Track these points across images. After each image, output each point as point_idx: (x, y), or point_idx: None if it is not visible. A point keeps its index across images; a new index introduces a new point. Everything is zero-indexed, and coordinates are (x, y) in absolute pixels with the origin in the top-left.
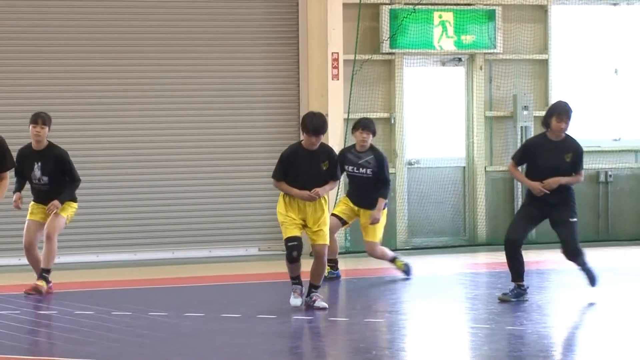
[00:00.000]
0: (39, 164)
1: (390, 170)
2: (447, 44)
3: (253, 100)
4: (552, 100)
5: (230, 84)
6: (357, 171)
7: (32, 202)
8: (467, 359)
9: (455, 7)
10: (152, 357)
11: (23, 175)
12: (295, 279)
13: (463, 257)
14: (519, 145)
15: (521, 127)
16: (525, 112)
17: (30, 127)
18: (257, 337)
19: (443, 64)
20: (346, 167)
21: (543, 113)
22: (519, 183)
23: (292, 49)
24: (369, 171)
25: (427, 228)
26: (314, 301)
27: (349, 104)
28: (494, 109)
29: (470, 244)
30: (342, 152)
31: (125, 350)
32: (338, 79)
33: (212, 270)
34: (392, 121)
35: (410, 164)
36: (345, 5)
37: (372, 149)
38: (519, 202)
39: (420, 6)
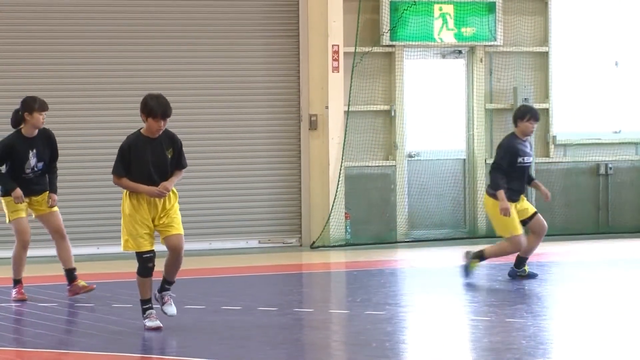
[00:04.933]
0: (34, 151)
1: (390, 163)
2: (448, 37)
3: (253, 93)
4: (553, 92)
5: (231, 76)
6: (527, 161)
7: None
8: (467, 351)
9: None
10: (153, 349)
11: (13, 168)
12: (149, 302)
13: (463, 249)
14: None
15: None
16: None
17: (38, 114)
18: (258, 329)
19: (443, 56)
20: (520, 158)
21: (544, 105)
22: None
23: (292, 41)
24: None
25: (428, 220)
26: (164, 303)
27: (350, 97)
28: (494, 102)
29: (470, 236)
30: (511, 141)
31: (126, 342)
32: (338, 72)
33: (213, 263)
34: (393, 114)
35: (410, 156)
36: None
37: None
38: None
39: None
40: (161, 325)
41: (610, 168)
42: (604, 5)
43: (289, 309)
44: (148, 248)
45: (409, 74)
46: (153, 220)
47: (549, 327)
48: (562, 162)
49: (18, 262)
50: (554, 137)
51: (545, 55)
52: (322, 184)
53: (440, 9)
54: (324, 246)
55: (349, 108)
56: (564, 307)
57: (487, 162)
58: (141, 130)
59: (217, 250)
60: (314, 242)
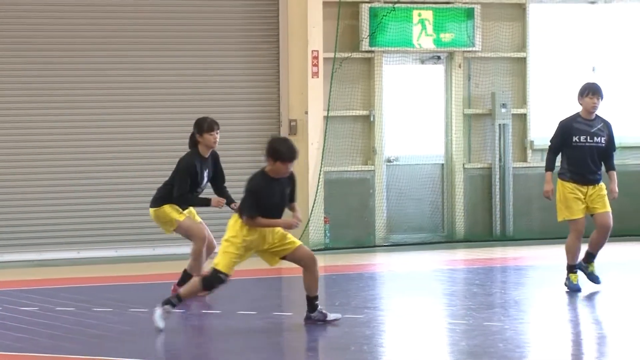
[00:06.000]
0: (207, 171)
1: (369, 168)
2: (426, 42)
3: (234, 98)
4: (531, 97)
5: (212, 81)
6: (590, 140)
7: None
8: (445, 354)
9: (434, 5)
10: (133, 352)
11: (190, 188)
12: (181, 301)
13: (441, 253)
14: (497, 142)
15: (499, 124)
16: (503, 110)
17: (208, 134)
18: (239, 333)
19: (422, 61)
20: (575, 137)
21: (521, 111)
22: (496, 179)
23: (272, 46)
24: (602, 139)
25: (406, 224)
26: (325, 315)
27: (329, 102)
28: (472, 107)
29: (449, 240)
30: (567, 120)
31: (106, 346)
32: (318, 77)
33: None
34: (372, 119)
35: (389, 161)
36: (325, 3)
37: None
38: (497, 198)
39: (399, 4)
40: (162, 328)
41: None
42: (582, 11)
43: (269, 313)
44: (230, 271)
45: (388, 80)
46: (265, 248)
47: (526, 331)
48: (539, 166)
49: (198, 258)
50: (532, 142)
51: (523, 60)
52: (302, 189)
53: (419, 15)
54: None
55: (328, 113)
56: (541, 310)
57: (465, 166)
58: (265, 170)
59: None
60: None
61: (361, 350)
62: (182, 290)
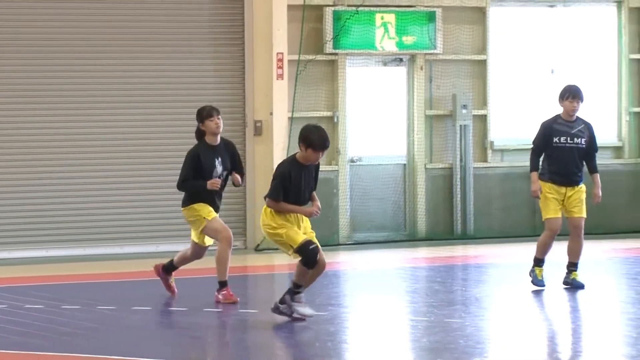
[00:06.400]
0: (219, 159)
1: (333, 168)
2: (389, 45)
3: (200, 100)
4: (491, 99)
5: (179, 83)
6: (570, 142)
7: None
8: (407, 350)
9: (396, 8)
10: (102, 350)
11: (203, 177)
12: (301, 287)
13: (403, 251)
14: (458, 143)
15: (460, 125)
16: (464, 111)
17: (208, 121)
18: (205, 329)
19: (385, 64)
20: (556, 138)
21: (481, 112)
22: (457, 179)
23: (238, 49)
24: (583, 141)
25: (369, 223)
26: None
27: (293, 103)
28: (434, 108)
29: (410, 238)
30: (549, 121)
31: (75, 344)
32: (283, 79)
33: None
34: (335, 120)
35: (352, 161)
36: (289, 6)
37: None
38: (458, 198)
39: (362, 8)
40: (314, 313)
41: None
42: (541, 14)
43: (234, 310)
44: (306, 237)
45: (351, 82)
46: None
47: (486, 327)
48: (499, 167)
49: (223, 261)
50: (492, 142)
51: (483, 63)
52: (267, 189)
53: (382, 18)
54: (268, 249)
55: (293, 114)
56: (501, 307)
57: (427, 166)
58: (296, 156)
59: (165, 252)
60: (258, 245)
61: (325, 346)
62: (294, 277)
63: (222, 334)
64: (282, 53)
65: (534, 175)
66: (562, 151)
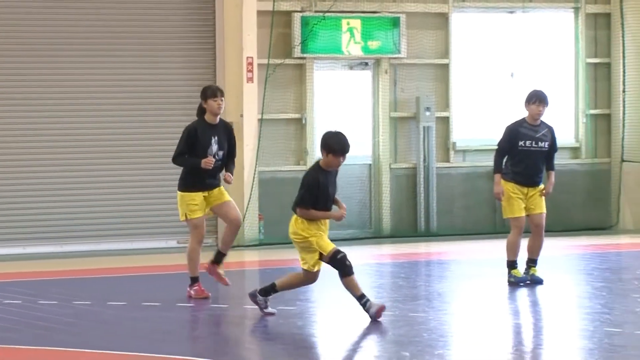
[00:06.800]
0: (216, 138)
1: (301, 168)
2: (355, 49)
3: (173, 102)
4: (453, 101)
5: (152, 85)
6: (535, 145)
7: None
8: (373, 343)
9: (362, 14)
10: (77, 344)
11: (197, 154)
12: (364, 296)
13: (368, 248)
14: (421, 143)
15: (424, 127)
16: (427, 113)
17: (212, 100)
18: (177, 324)
19: (351, 67)
20: (521, 142)
21: (444, 114)
22: (421, 179)
23: (209, 53)
24: (546, 144)
25: (335, 221)
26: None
27: (263, 105)
28: (398, 110)
29: (375, 236)
30: (515, 125)
31: (52, 338)
32: (252, 82)
33: (134, 262)
34: (303, 121)
35: None
36: (259, 12)
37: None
38: (421, 196)
39: (329, 14)
40: (384, 304)
41: None
42: (501, 20)
43: (206, 305)
44: (334, 246)
45: (318, 85)
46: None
47: (449, 321)
48: (461, 166)
49: (194, 258)
50: (454, 143)
51: (446, 67)
52: (237, 188)
53: (348, 24)
54: (238, 246)
55: (262, 116)
56: (463, 302)
57: (392, 166)
58: (320, 164)
59: (138, 249)
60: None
61: (293, 340)
62: (353, 291)
63: (194, 328)
64: (252, 57)
65: (498, 177)
66: (527, 154)
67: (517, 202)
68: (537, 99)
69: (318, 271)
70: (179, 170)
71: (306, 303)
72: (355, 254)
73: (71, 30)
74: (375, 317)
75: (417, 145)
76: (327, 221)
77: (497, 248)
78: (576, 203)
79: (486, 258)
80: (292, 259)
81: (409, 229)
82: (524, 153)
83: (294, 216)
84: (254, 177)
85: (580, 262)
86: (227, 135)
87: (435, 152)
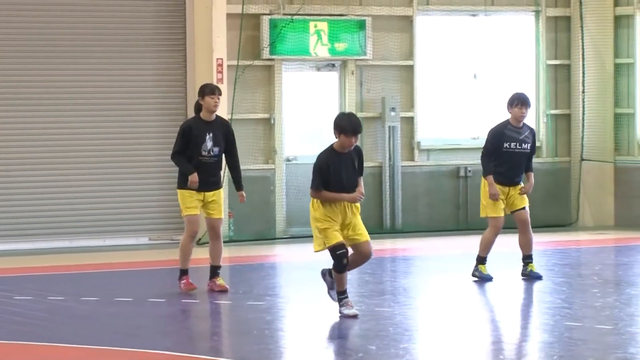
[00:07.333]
0: (211, 134)
1: (270, 167)
2: (322, 51)
3: (145, 102)
4: (418, 102)
5: (125, 86)
6: (518, 147)
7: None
8: (340, 337)
9: (329, 17)
10: (52, 338)
11: (191, 150)
12: (345, 293)
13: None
14: (387, 143)
15: (389, 126)
16: (392, 113)
17: (209, 97)
18: (149, 318)
19: (318, 69)
20: (506, 144)
21: (409, 114)
22: (386, 177)
23: (180, 54)
24: (528, 146)
25: (304, 218)
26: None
27: (233, 106)
28: (364, 110)
29: None
30: (499, 127)
31: (27, 332)
32: (222, 83)
33: (106, 258)
34: (272, 121)
35: (288, 160)
36: (228, 15)
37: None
38: (387, 194)
39: (297, 16)
40: (357, 313)
41: (469, 171)
42: (464, 23)
43: (177, 300)
44: (338, 240)
45: (287, 85)
46: (342, 227)
47: (414, 315)
48: (425, 165)
49: (185, 252)
50: (419, 142)
51: (410, 68)
52: None
53: (315, 26)
54: (207, 243)
55: (232, 116)
56: (427, 297)
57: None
58: (334, 146)
59: (111, 246)
60: (199, 239)
61: (263, 334)
62: (336, 285)
63: (166, 323)
64: (221, 58)
65: (490, 178)
66: (511, 155)
67: (499, 202)
68: (519, 102)
69: (360, 244)
70: (149, 168)
71: (275, 298)
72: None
73: (41, 33)
74: (343, 316)
75: (383, 145)
76: (349, 209)
77: (460, 244)
78: (537, 201)
79: (450, 254)
80: (261, 255)
81: (374, 225)
82: (507, 154)
83: (311, 200)
84: (223, 176)
85: (541, 258)
86: (224, 132)
87: (400, 151)
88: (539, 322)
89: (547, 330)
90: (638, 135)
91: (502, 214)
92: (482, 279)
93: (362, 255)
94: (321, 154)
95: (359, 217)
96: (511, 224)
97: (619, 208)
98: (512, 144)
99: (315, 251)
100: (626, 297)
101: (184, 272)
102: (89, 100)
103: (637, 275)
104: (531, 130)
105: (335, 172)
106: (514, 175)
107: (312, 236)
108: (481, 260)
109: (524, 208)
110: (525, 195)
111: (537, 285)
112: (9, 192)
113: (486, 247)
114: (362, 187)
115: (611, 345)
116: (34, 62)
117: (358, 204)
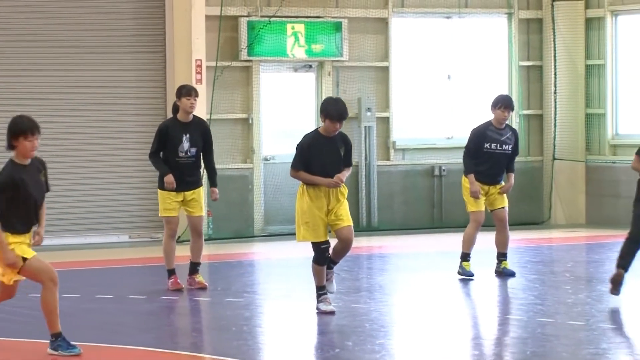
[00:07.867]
0: (187, 135)
1: (248, 166)
2: (299, 52)
3: (125, 102)
4: (393, 102)
5: (105, 87)
6: (499, 148)
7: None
8: (317, 333)
9: (306, 19)
10: (34, 334)
11: (168, 151)
12: (324, 288)
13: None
14: (363, 143)
15: (365, 126)
16: (368, 114)
17: (185, 99)
18: (129, 315)
19: (295, 70)
20: (487, 144)
21: (384, 114)
22: (363, 176)
23: (159, 55)
24: (510, 147)
25: (281, 217)
26: (327, 279)
27: (211, 106)
28: None
29: None
30: (481, 128)
31: (9, 329)
32: (201, 83)
33: (88, 256)
34: (250, 121)
35: (266, 159)
36: (207, 17)
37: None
38: (363, 193)
39: (275, 18)
40: (334, 309)
41: (444, 170)
42: (438, 25)
43: (157, 297)
44: (324, 239)
45: (264, 86)
46: (326, 213)
47: (390, 312)
48: (401, 164)
49: (167, 251)
50: (394, 142)
51: (386, 69)
52: None
53: (293, 28)
54: (188, 240)
55: (211, 116)
56: (403, 293)
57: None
58: (319, 130)
59: (92, 244)
60: (179, 237)
61: (241, 330)
62: (315, 279)
63: (146, 319)
64: (200, 59)
65: (472, 177)
66: (491, 156)
67: (479, 199)
68: (502, 104)
69: (340, 229)
70: (129, 167)
71: (253, 295)
72: (299, 248)
73: (19, 34)
74: (320, 312)
75: (359, 144)
76: (333, 195)
77: (434, 242)
78: (511, 199)
79: (424, 252)
80: (239, 252)
81: None
82: (488, 155)
83: (298, 189)
84: (201, 174)
85: (514, 255)
86: (201, 132)
87: (376, 150)
88: (513, 318)
89: (520, 326)
90: (609, 135)
91: (483, 208)
92: (465, 275)
93: (342, 240)
94: (306, 135)
95: (344, 203)
96: (489, 222)
97: (590, 206)
98: (493, 145)
99: (298, 241)
100: (597, 294)
101: (171, 272)
102: (68, 101)
103: (607, 272)
104: (514, 131)
105: (318, 155)
106: (494, 175)
107: (290, 234)
108: (464, 256)
109: (503, 207)
110: (505, 195)
111: (511, 282)
112: None
113: (468, 243)
114: (342, 175)
115: (583, 341)
116: (13, 62)
117: (344, 191)
